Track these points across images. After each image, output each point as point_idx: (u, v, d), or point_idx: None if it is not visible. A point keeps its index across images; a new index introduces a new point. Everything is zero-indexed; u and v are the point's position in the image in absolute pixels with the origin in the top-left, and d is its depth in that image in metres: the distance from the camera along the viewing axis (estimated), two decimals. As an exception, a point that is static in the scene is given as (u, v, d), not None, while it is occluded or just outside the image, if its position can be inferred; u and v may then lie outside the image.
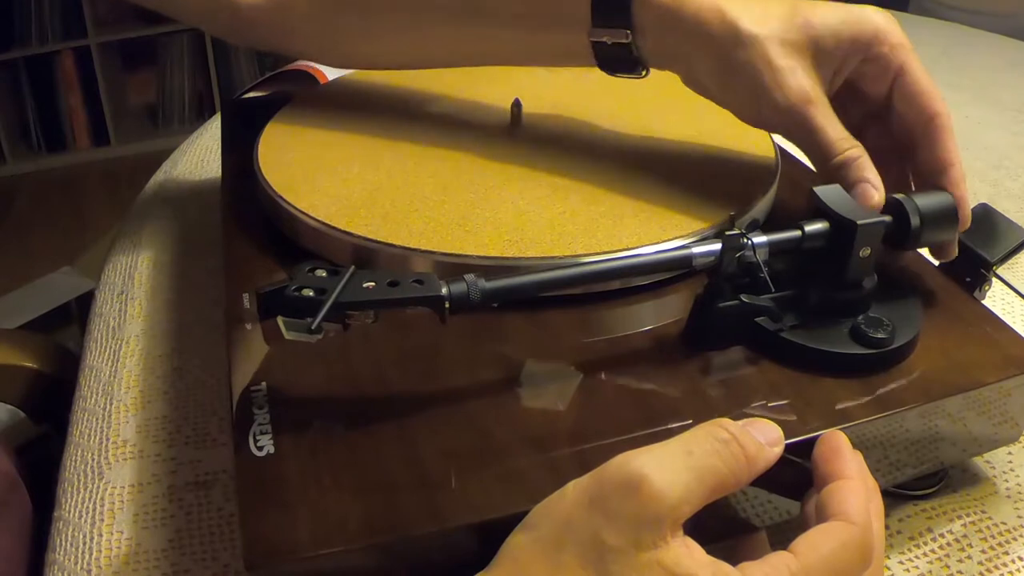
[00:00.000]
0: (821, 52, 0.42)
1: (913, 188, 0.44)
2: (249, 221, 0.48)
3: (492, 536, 0.30)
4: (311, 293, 0.32)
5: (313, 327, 0.32)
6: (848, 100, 0.45)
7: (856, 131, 0.44)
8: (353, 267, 0.34)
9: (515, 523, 0.30)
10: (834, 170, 0.42)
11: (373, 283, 0.33)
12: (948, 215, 0.39)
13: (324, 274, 0.33)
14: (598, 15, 0.44)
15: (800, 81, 0.42)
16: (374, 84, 0.61)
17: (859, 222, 0.37)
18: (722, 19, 0.43)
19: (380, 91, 0.60)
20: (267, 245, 0.46)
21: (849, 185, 0.41)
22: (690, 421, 0.34)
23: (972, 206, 0.44)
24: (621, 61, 0.46)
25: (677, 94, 0.63)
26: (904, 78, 0.43)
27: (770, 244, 0.37)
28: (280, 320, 0.33)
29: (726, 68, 0.44)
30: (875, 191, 0.41)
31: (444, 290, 0.33)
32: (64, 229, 2.17)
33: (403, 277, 0.33)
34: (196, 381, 0.50)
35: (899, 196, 0.39)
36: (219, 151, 0.57)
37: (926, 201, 0.39)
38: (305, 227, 0.45)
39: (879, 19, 0.43)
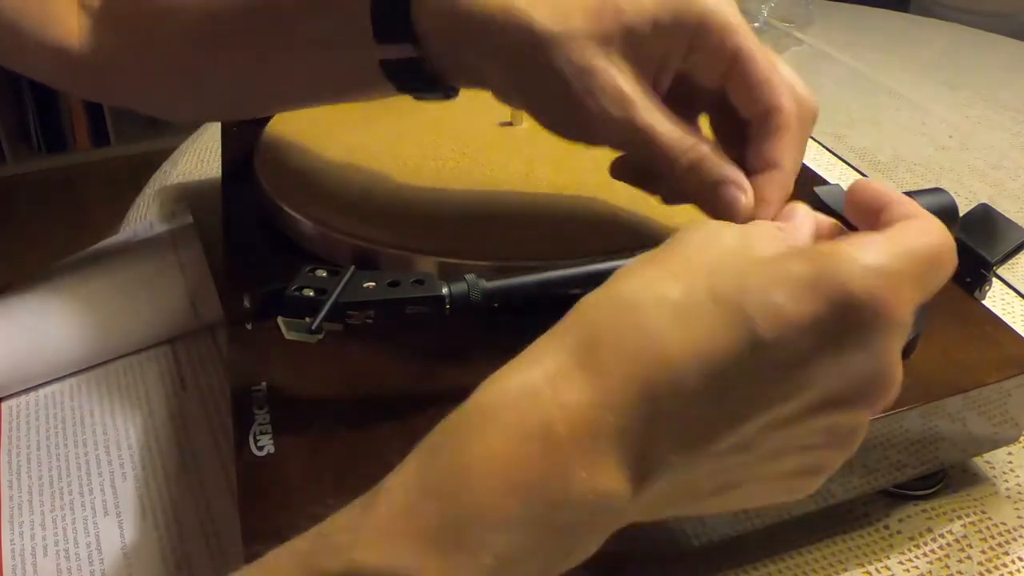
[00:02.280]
0: (638, 45, 0.35)
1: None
2: (249, 221, 0.48)
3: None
4: (311, 293, 0.32)
5: (313, 327, 0.32)
6: (685, 96, 0.38)
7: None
8: (353, 267, 0.34)
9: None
10: (683, 176, 0.35)
11: (373, 283, 0.33)
12: (948, 214, 0.39)
13: (324, 274, 0.33)
14: (379, 28, 0.37)
15: (615, 82, 0.35)
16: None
17: (859, 222, 0.37)
18: (511, 20, 0.35)
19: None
20: (267, 245, 0.46)
21: (706, 192, 0.35)
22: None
23: (972, 206, 0.44)
24: (415, 79, 0.39)
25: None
26: (738, 67, 0.36)
27: (770, 244, 0.37)
28: (280, 320, 0.33)
29: (529, 79, 0.36)
30: (740, 192, 0.35)
31: (444, 290, 0.33)
32: (64, 229, 2.17)
33: (403, 277, 0.33)
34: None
35: None
36: (219, 151, 0.57)
37: (926, 201, 0.39)
38: (304, 228, 0.45)
39: (706, 1, 0.35)
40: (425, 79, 0.39)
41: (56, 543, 0.41)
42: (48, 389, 0.50)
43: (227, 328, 0.41)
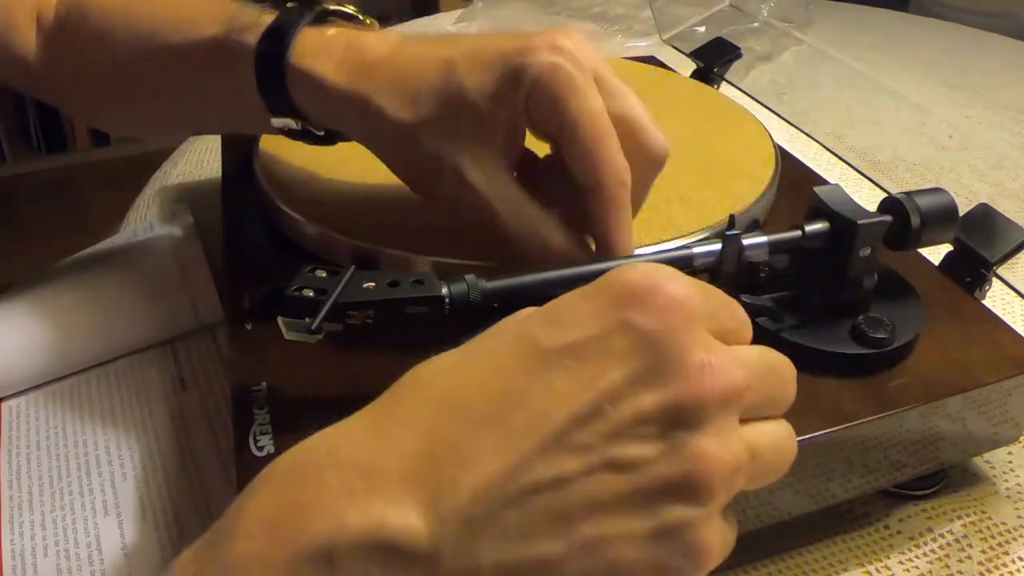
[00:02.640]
0: (482, 119, 0.36)
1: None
2: (249, 221, 0.48)
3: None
4: (311, 293, 0.32)
5: (313, 327, 0.32)
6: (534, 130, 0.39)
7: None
8: (353, 267, 0.34)
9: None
10: (529, 254, 0.37)
11: (373, 283, 0.33)
12: (948, 215, 0.39)
13: (324, 274, 0.33)
14: (268, 105, 0.41)
15: (457, 166, 0.37)
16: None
17: (859, 222, 0.37)
18: (368, 111, 0.38)
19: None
20: (267, 245, 0.46)
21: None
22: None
23: (972, 206, 0.44)
24: (313, 138, 0.43)
25: (677, 94, 0.63)
26: (566, 136, 0.35)
27: (770, 244, 0.37)
28: (280, 320, 0.33)
29: (392, 157, 0.41)
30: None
31: (444, 290, 0.33)
32: (64, 229, 2.17)
33: (403, 277, 0.33)
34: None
35: (899, 195, 0.39)
36: (219, 151, 0.57)
37: (926, 201, 0.39)
38: (304, 228, 0.45)
39: (542, 62, 0.35)
40: (317, 138, 0.43)
41: (56, 543, 0.41)
42: (48, 389, 0.50)
43: (227, 328, 0.41)
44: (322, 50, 0.39)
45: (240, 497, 0.25)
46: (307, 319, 0.32)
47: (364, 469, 0.24)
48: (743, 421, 0.26)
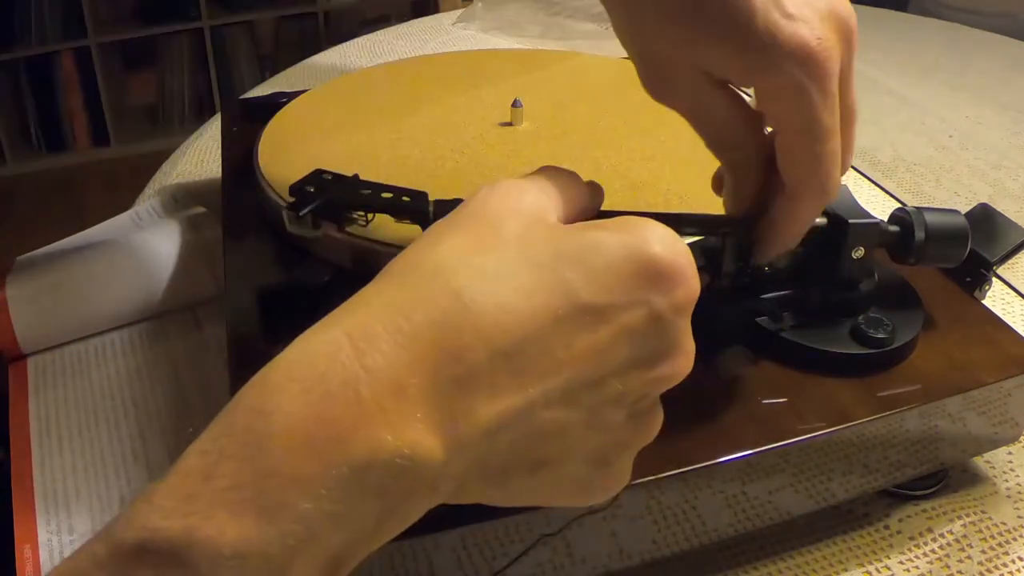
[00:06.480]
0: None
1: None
2: (249, 221, 0.48)
3: (489, 540, 0.30)
4: (313, 190, 0.34)
5: (301, 214, 0.33)
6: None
7: None
8: (356, 175, 0.35)
9: (511, 526, 0.30)
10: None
11: (370, 191, 0.35)
12: (958, 235, 0.39)
13: (330, 178, 0.36)
14: None
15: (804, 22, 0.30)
16: (374, 84, 0.61)
17: (850, 221, 0.36)
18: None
19: (380, 91, 0.60)
20: (267, 245, 0.46)
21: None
22: (689, 421, 0.34)
23: (972, 206, 0.44)
24: None
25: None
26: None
27: (770, 244, 0.37)
28: (284, 213, 0.34)
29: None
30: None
31: (431, 208, 0.35)
32: (64, 229, 2.16)
33: (398, 191, 0.35)
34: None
35: (908, 208, 0.39)
36: (219, 151, 0.57)
37: (935, 218, 0.39)
38: (305, 227, 0.45)
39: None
40: None
41: (87, 484, 0.42)
42: (71, 348, 0.51)
43: (227, 329, 0.41)
44: None
45: (257, 390, 0.24)
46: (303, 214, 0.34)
47: (394, 387, 0.23)
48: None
